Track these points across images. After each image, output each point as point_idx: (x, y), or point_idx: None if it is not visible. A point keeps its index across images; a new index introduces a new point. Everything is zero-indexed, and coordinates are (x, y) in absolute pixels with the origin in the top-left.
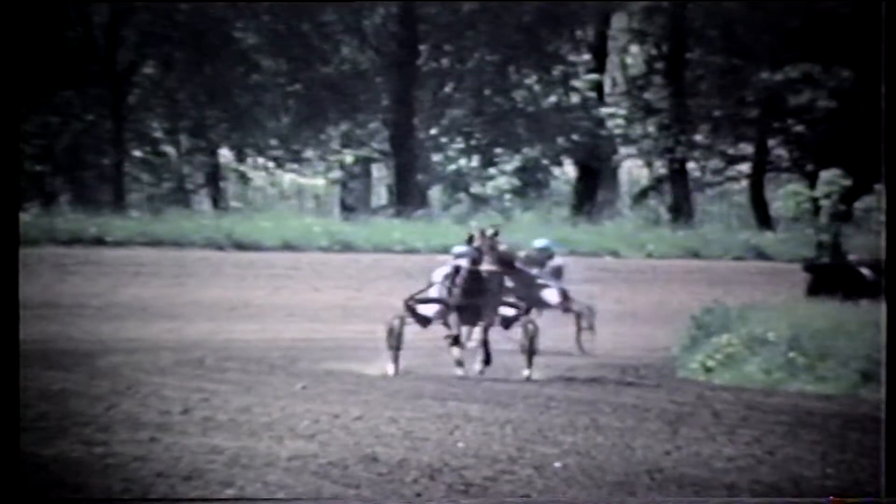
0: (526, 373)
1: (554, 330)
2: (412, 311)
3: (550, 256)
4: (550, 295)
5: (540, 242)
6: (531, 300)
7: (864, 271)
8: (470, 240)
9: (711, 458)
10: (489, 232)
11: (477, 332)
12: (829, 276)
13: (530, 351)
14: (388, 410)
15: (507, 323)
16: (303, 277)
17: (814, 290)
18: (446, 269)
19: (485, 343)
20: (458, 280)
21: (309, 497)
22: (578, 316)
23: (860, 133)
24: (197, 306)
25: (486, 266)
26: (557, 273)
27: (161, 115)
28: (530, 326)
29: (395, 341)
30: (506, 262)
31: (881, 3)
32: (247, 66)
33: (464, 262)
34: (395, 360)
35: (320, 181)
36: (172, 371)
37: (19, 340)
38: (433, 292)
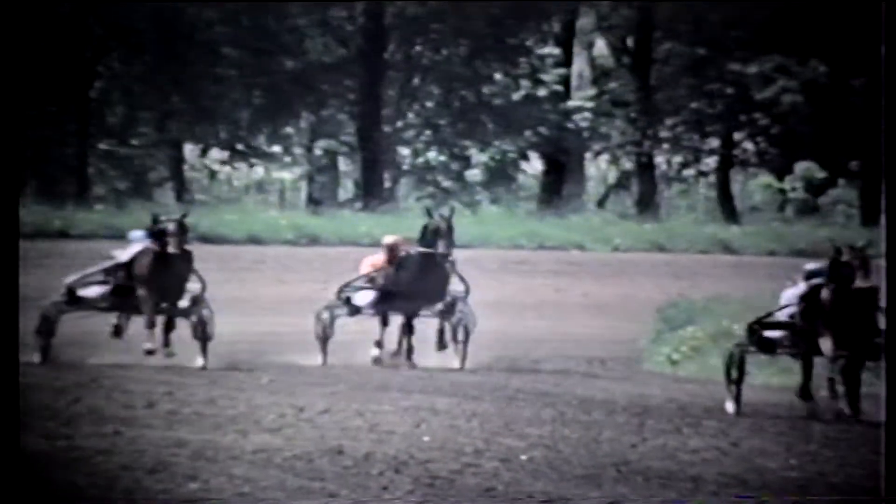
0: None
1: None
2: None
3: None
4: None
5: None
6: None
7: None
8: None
9: (677, 450)
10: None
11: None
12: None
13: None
14: (355, 403)
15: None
16: (269, 270)
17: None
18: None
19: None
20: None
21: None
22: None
23: (827, 126)
24: None
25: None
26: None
27: (125, 107)
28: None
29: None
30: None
31: (881, 3)
32: (212, 59)
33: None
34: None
35: (286, 174)
36: (137, 364)
37: (19, 337)
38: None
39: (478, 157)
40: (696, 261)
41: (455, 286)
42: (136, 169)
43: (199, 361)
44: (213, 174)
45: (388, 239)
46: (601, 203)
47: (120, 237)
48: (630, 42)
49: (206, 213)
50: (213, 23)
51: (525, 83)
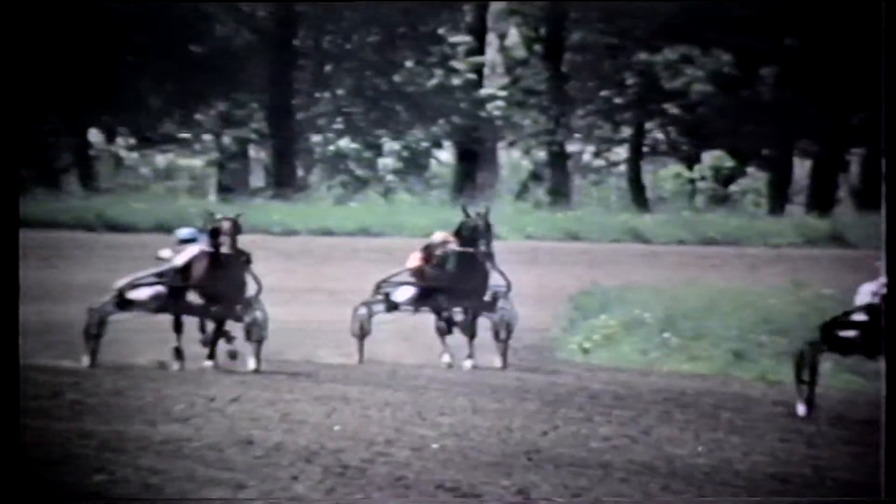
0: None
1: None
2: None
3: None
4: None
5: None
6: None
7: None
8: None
9: (588, 437)
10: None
11: None
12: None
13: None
14: (265, 393)
15: None
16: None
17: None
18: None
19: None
20: None
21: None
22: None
23: (735, 116)
24: (68, 288)
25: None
26: None
27: (29, 92)
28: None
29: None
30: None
31: (881, 3)
32: (120, 44)
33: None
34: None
35: (196, 161)
36: (42, 354)
37: (19, 334)
38: None
39: (390, 145)
40: (608, 249)
41: (497, 281)
42: (40, 155)
43: (251, 364)
44: (119, 161)
45: (437, 236)
46: (519, 195)
47: (25, 225)
48: (542, 31)
49: (112, 201)
50: (122, 7)
51: (438, 71)
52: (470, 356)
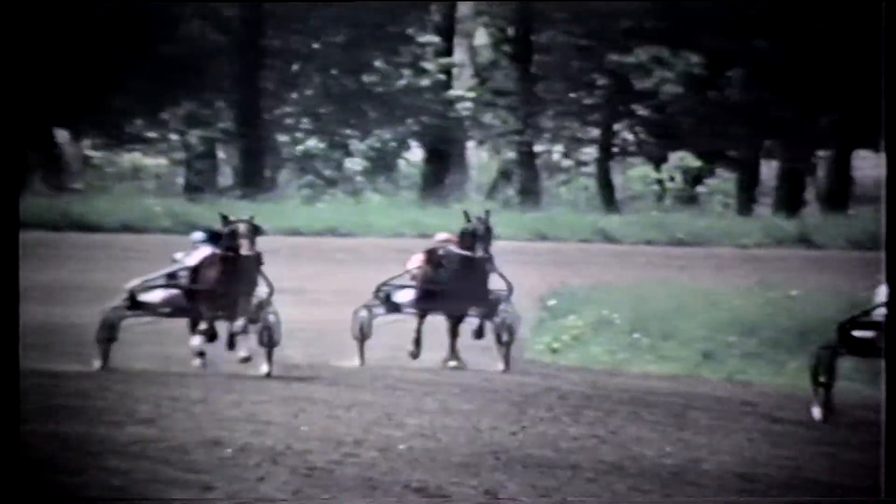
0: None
1: None
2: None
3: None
4: None
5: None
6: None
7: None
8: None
9: (556, 438)
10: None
11: None
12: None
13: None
14: (231, 394)
15: None
16: (144, 259)
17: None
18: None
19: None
20: None
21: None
22: None
23: (705, 117)
24: (32, 288)
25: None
26: None
27: None
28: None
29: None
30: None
31: (881, 3)
32: (85, 44)
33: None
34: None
35: (163, 161)
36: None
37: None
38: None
39: (359, 145)
40: (577, 250)
41: (499, 285)
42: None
43: (265, 368)
44: (86, 160)
45: (441, 235)
46: (490, 194)
47: None
48: (510, 32)
49: (79, 200)
50: (88, 7)
51: (406, 72)
52: (454, 357)
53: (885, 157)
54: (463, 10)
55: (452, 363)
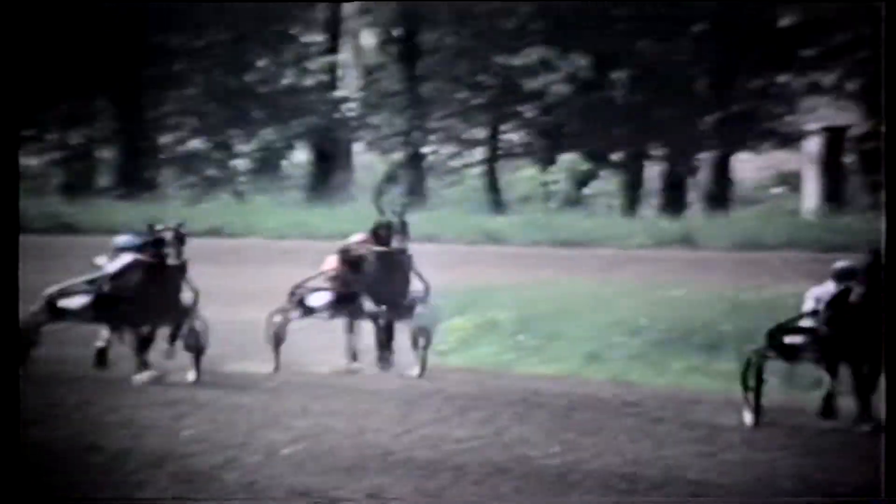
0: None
1: None
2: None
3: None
4: None
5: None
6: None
7: None
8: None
9: (442, 439)
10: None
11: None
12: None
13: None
14: (109, 399)
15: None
16: (21, 259)
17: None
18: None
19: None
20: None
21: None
22: None
23: (591, 119)
24: None
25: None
26: None
27: None
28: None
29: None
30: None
31: (881, 3)
32: None
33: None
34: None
35: (37, 161)
36: None
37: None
38: None
39: (243, 145)
40: (463, 251)
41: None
42: None
43: (191, 375)
44: None
45: (356, 237)
46: (374, 197)
47: None
48: (395, 32)
49: None
50: None
51: (290, 72)
52: (355, 359)
53: (885, 158)
54: (348, 9)
55: (355, 365)
